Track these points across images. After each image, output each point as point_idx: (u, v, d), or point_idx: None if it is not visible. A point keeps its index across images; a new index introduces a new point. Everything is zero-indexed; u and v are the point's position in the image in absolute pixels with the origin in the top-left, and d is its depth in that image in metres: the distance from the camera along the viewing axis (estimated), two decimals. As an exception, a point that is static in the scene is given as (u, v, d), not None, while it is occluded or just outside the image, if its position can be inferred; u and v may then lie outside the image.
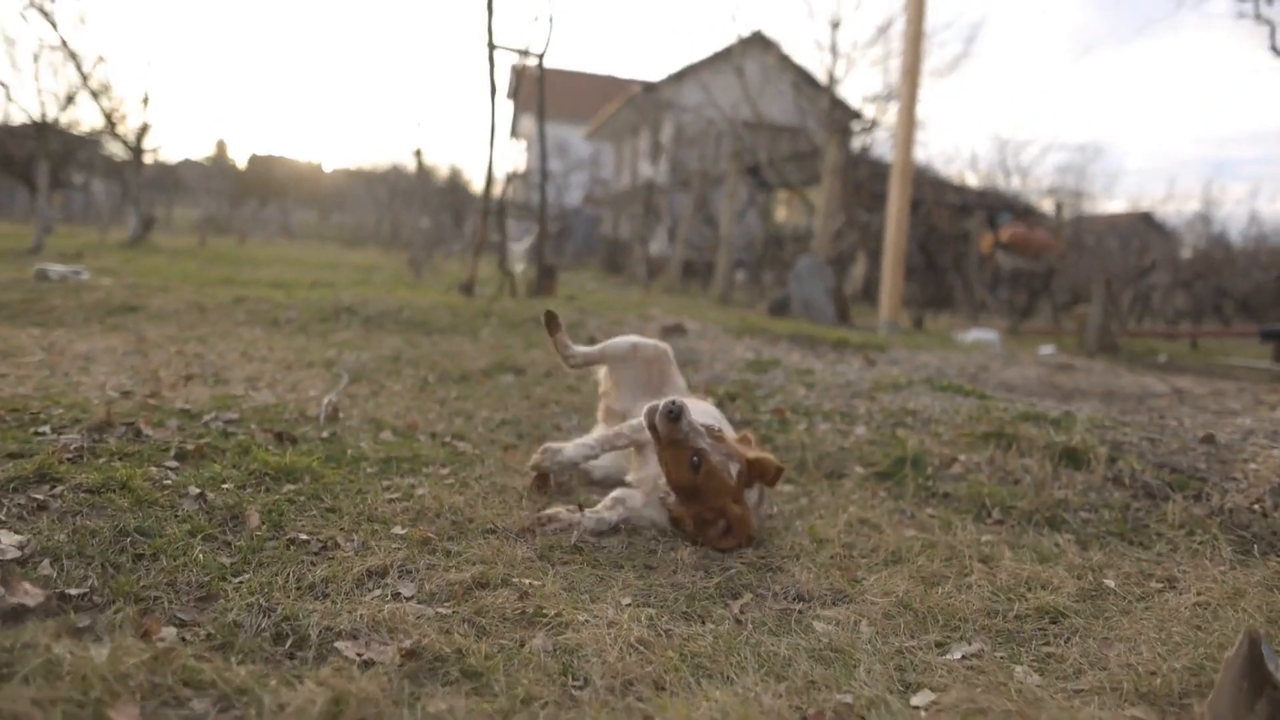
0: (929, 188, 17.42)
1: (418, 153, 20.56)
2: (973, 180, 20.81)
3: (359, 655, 1.83)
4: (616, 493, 2.92)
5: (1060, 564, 2.75)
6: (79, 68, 15.82)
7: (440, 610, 2.14)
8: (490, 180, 8.91)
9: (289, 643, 1.86)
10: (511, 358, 5.48)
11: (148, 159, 18.58)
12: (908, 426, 4.06)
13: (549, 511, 2.80)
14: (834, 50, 21.09)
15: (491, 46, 8.96)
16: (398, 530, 2.61)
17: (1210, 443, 3.74)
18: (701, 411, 3.03)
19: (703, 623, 2.23)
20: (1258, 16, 10.38)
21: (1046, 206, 22.57)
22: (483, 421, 4.04)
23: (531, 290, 9.08)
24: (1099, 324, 9.56)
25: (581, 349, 3.37)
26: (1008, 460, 3.57)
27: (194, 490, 2.64)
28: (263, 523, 2.52)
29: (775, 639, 2.13)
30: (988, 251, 15.97)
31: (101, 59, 17.18)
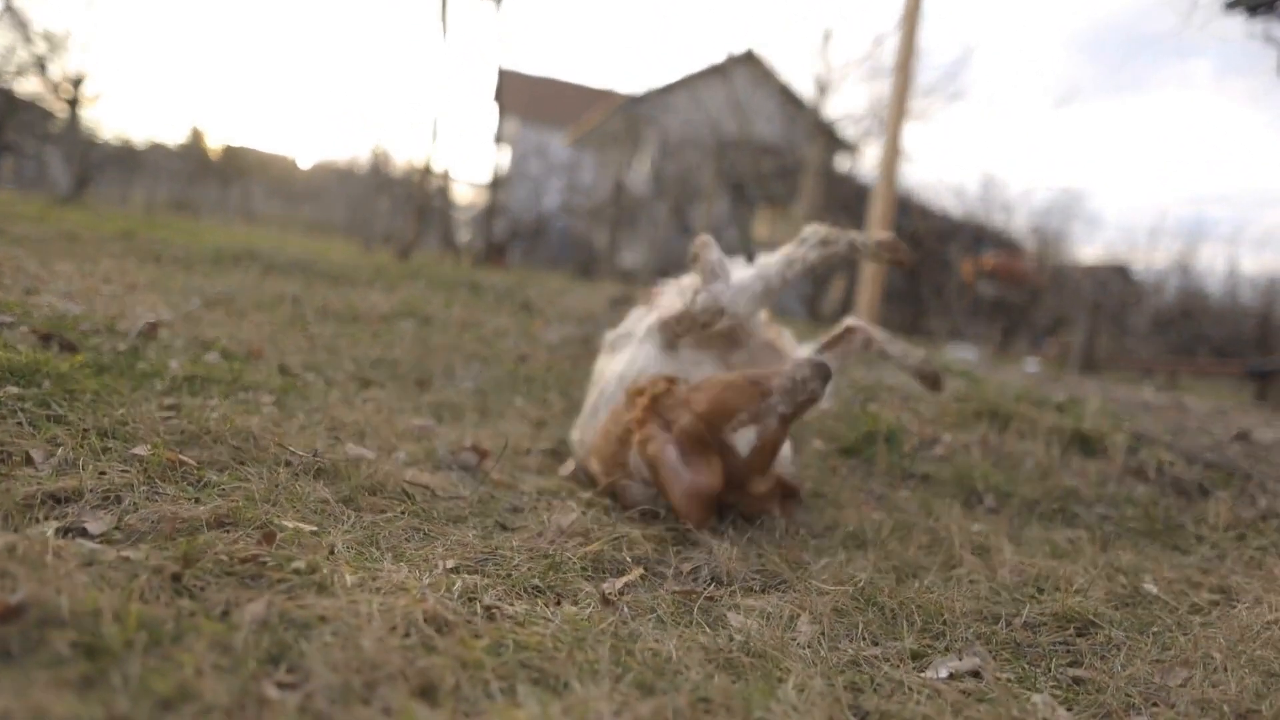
0: (917, 212, 16.96)
1: (390, 149, 19.68)
2: (956, 210, 20.42)
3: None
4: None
5: (1079, 561, 1.99)
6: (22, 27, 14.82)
7: (125, 554, 1.33)
8: (434, 140, 8.17)
9: None
10: (421, 308, 4.67)
11: (87, 111, 17.52)
12: (882, 402, 3.31)
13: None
14: (824, 60, 20.67)
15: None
16: (139, 450, 1.79)
17: (1246, 440, 3.04)
18: None
19: (558, 603, 1.44)
20: (1267, 38, 9.99)
21: (1028, 243, 22.30)
22: (353, 359, 3.22)
23: (475, 261, 8.28)
24: (1084, 345, 8.97)
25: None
26: (1005, 442, 2.83)
27: None
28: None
29: (662, 632, 1.34)
30: (969, 279, 15.48)
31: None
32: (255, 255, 6.03)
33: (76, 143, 16.63)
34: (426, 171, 8.13)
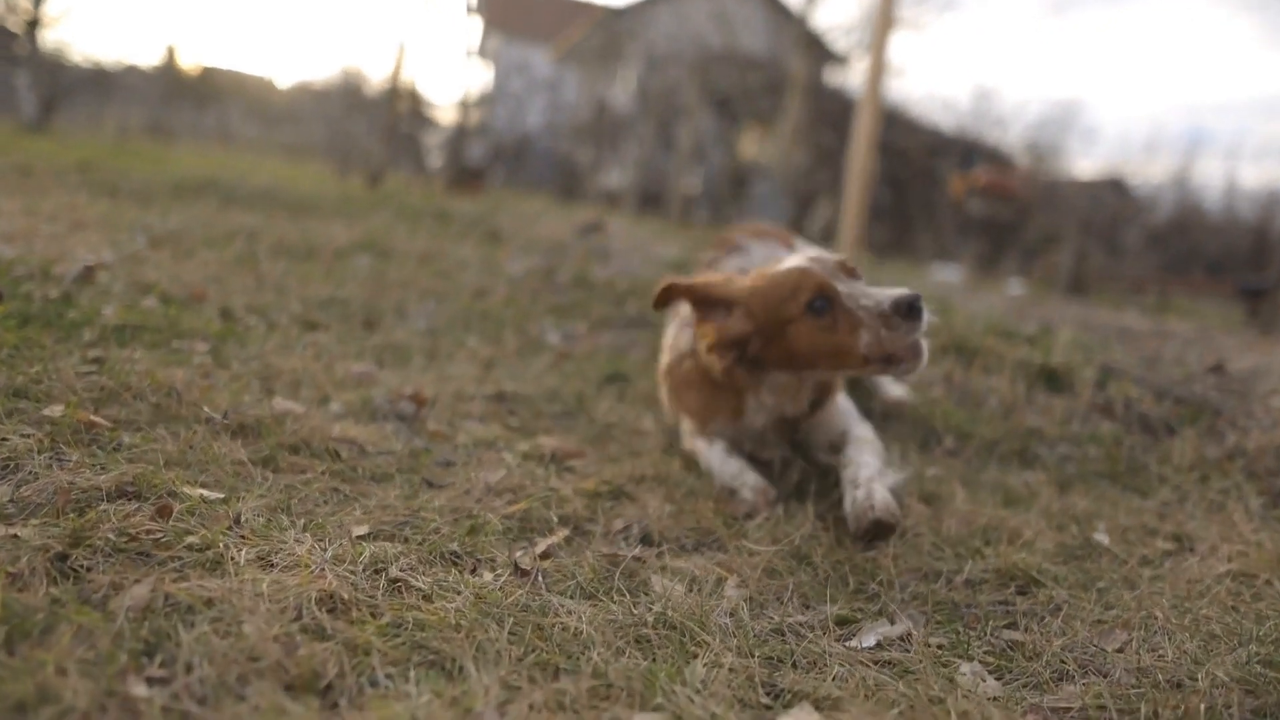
0: (906, 127, 16.47)
1: (364, 67, 18.84)
2: (948, 124, 19.87)
3: None
4: None
5: (1032, 509, 1.94)
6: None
7: (14, 532, 1.25)
8: (400, 61, 7.78)
9: None
10: (382, 240, 4.51)
11: (51, 32, 16.70)
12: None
13: None
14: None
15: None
16: (50, 411, 1.69)
17: (1220, 372, 2.97)
18: None
19: (473, 570, 1.37)
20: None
21: (1022, 158, 21.83)
22: (301, 299, 3.10)
23: (447, 187, 8.01)
24: (1072, 265, 8.84)
25: None
26: (969, 378, 2.75)
27: None
28: None
29: (576, 604, 1.28)
30: (958, 196, 15.17)
31: None
32: (217, 186, 5.81)
33: (41, 66, 15.90)
34: (396, 91, 7.77)
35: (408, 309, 3.23)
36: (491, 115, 31.70)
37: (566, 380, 2.64)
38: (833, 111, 15.81)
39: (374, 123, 18.47)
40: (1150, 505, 2.08)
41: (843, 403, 2.11)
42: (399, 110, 7.77)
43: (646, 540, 1.59)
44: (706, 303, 1.87)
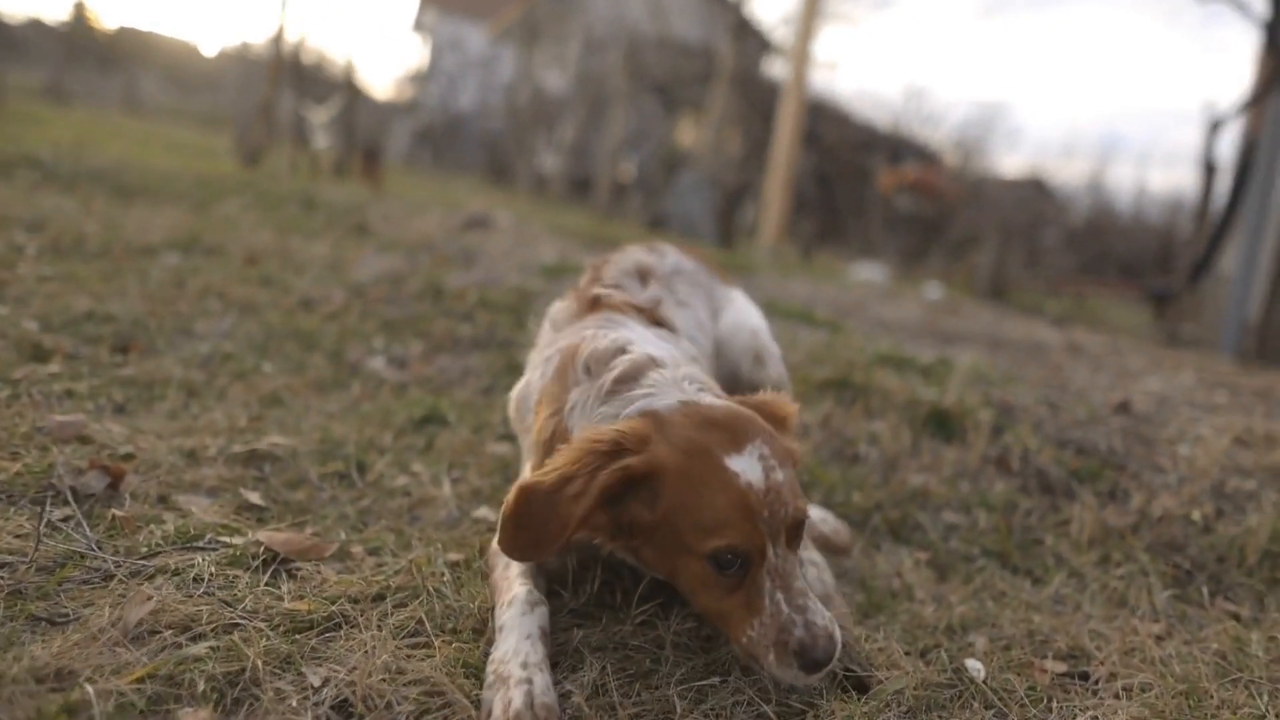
0: (834, 120, 16.29)
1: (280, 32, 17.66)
2: (879, 120, 19.82)
3: None
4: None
5: (897, 619, 1.54)
6: None
7: None
8: (281, 30, 7.02)
9: None
10: (212, 234, 3.90)
11: None
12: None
13: None
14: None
15: None
16: None
17: (1126, 412, 2.65)
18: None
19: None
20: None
21: (950, 156, 22.02)
22: (43, 314, 2.51)
23: (336, 171, 7.32)
24: (991, 268, 8.68)
25: None
26: (848, 422, 2.35)
27: None
28: None
29: None
30: (887, 191, 15.08)
31: None
32: (37, 162, 5.04)
33: None
34: (279, 57, 7.00)
35: (195, 327, 2.66)
36: (424, 93, 30.50)
37: (363, 425, 2.14)
38: (762, 101, 15.50)
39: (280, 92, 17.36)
40: (1042, 599, 1.70)
41: None
42: (278, 78, 6.99)
43: (342, 709, 1.12)
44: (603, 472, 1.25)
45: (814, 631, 1.20)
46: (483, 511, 1.80)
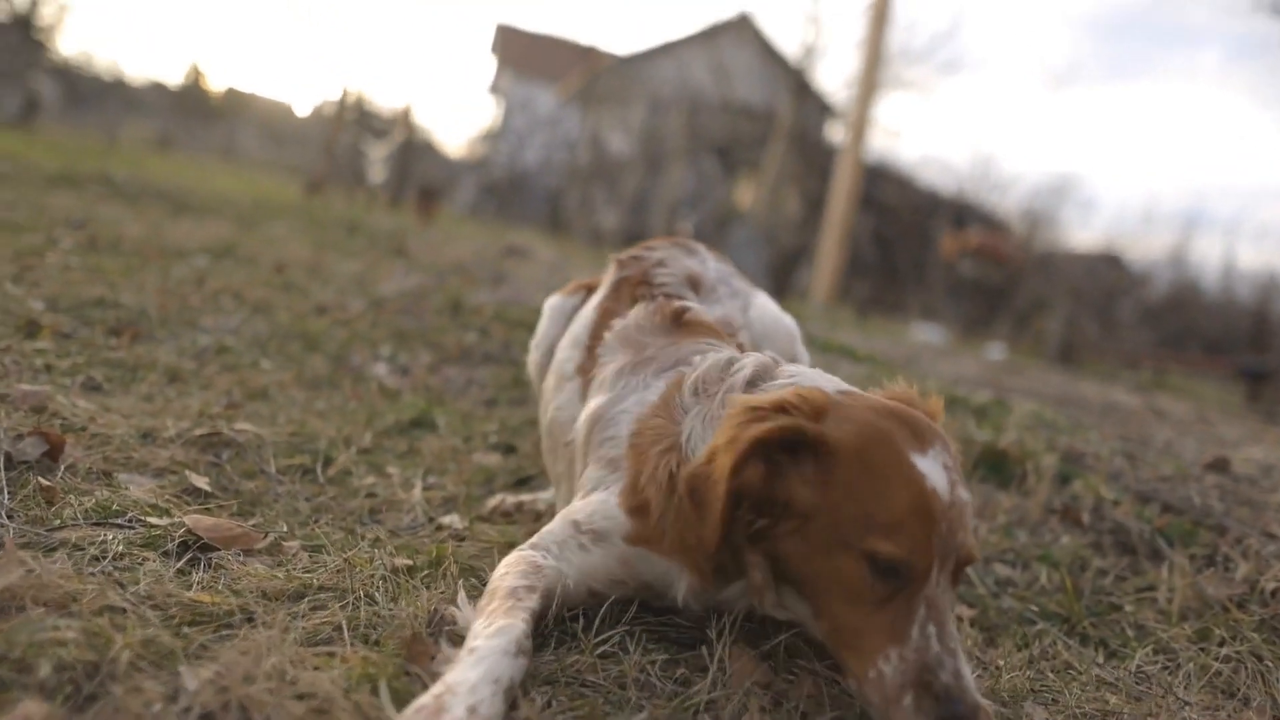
0: (895, 184, 16.09)
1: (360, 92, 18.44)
2: (945, 186, 19.54)
3: None
4: None
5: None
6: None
7: None
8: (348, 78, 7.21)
9: None
10: (246, 245, 3.86)
11: (65, 39, 16.45)
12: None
13: None
14: (813, 22, 19.60)
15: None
16: None
17: (1223, 471, 2.29)
18: None
19: None
20: (1276, 9, 9.15)
21: (1017, 225, 21.53)
22: (52, 297, 2.43)
23: (391, 204, 7.41)
24: (1062, 333, 8.20)
25: None
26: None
27: None
28: None
29: None
30: (950, 255, 14.68)
31: None
32: (108, 180, 5.17)
33: (38, 67, 15.59)
34: (343, 104, 7.23)
35: (202, 321, 2.55)
36: (494, 150, 31.55)
37: (345, 424, 1.96)
38: (825, 166, 15.42)
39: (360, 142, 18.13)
40: (1121, 676, 1.38)
41: None
42: (341, 124, 7.20)
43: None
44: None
45: (963, 683, 0.97)
46: (450, 519, 1.57)
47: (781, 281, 10.31)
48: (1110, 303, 14.67)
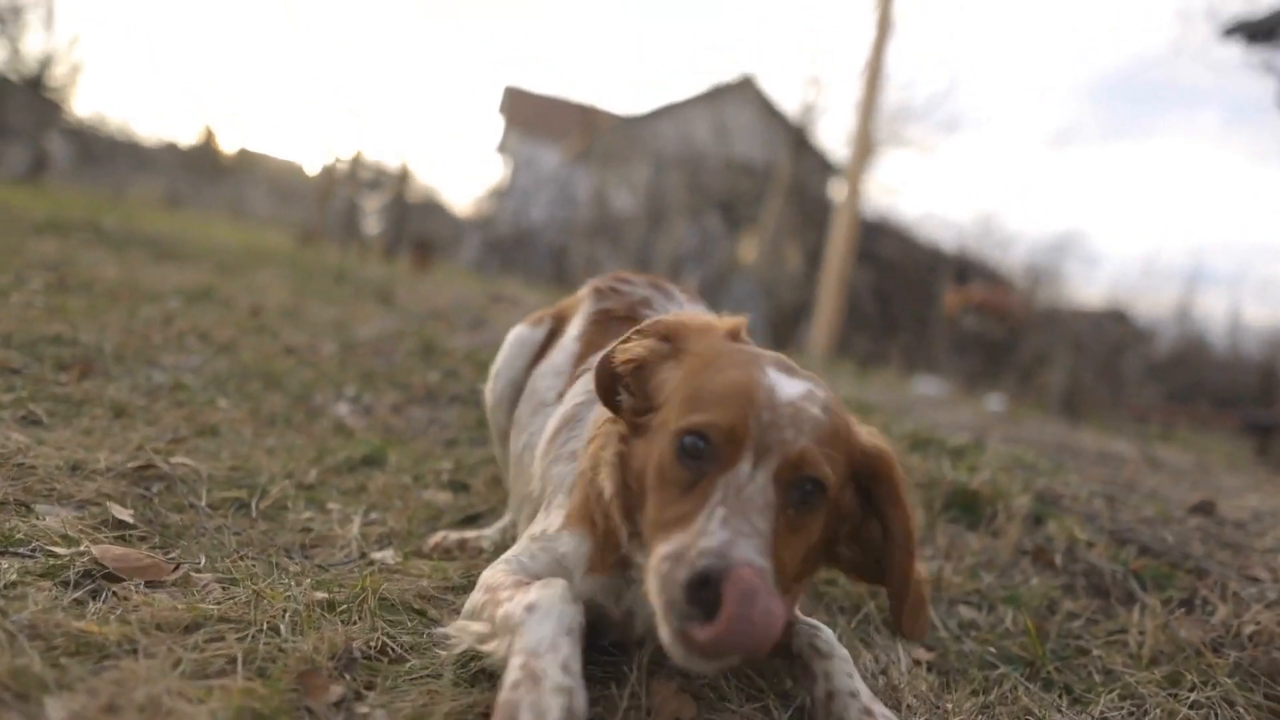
0: (895, 240, 16.22)
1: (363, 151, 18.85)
2: (947, 242, 19.67)
3: None
4: None
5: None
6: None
7: None
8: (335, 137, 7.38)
9: None
10: (225, 289, 3.87)
11: (65, 91, 17.01)
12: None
13: None
14: (811, 81, 20.06)
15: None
16: None
17: (1208, 513, 2.20)
18: None
19: None
20: (1268, 68, 9.25)
21: (1020, 280, 21.59)
22: (23, 334, 2.41)
23: (385, 256, 7.48)
24: (1064, 385, 8.10)
25: None
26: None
27: None
28: None
29: None
30: (952, 310, 14.67)
31: None
32: (96, 228, 5.24)
33: (50, 127, 16.10)
34: (334, 164, 7.39)
35: (162, 359, 2.53)
36: (500, 207, 32.12)
37: (292, 460, 1.91)
38: (824, 221, 15.57)
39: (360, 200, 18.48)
40: (1081, 722, 1.29)
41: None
42: (333, 181, 7.34)
43: None
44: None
45: (719, 544, 0.89)
46: (384, 554, 1.51)
47: (783, 335, 10.29)
48: (1116, 357, 14.56)
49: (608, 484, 1.12)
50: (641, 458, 1.06)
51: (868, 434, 1.14)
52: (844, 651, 1.19)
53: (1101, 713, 1.32)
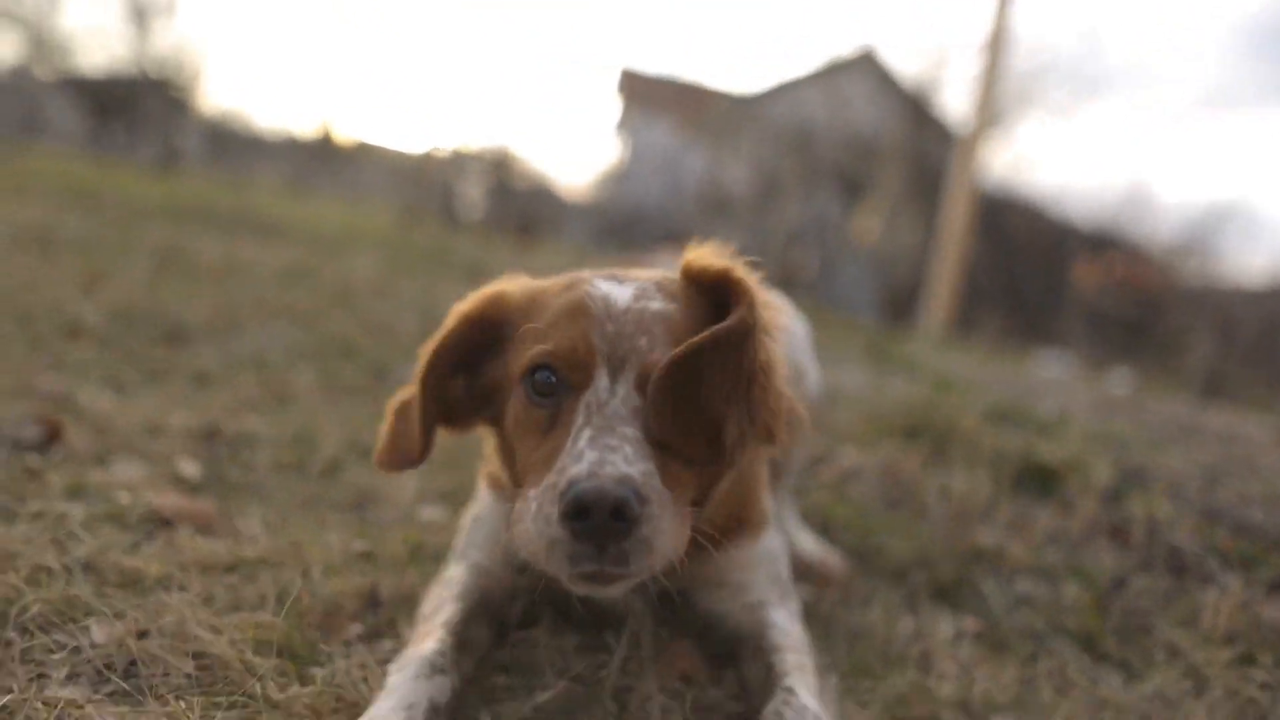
0: (1022, 213, 15.26)
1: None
2: (1084, 215, 18.31)
3: None
4: None
5: (891, 684, 1.12)
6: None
7: None
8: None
9: None
10: (319, 267, 4.11)
11: (190, 89, 18.59)
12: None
13: None
14: (938, 54, 19.07)
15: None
16: None
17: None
18: None
19: None
20: None
21: (1169, 256, 19.83)
22: (107, 305, 2.68)
23: (485, 236, 7.71)
24: (1207, 361, 7.39)
25: None
26: (916, 470, 1.90)
27: None
28: None
29: None
30: (1089, 287, 13.68)
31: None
32: (208, 213, 5.70)
33: (181, 121, 17.58)
34: (436, 151, 7.68)
35: (248, 332, 2.72)
36: (614, 188, 32.45)
37: (364, 426, 2.01)
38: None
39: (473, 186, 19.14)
40: (1134, 698, 1.19)
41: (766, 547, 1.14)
42: (433, 166, 7.63)
43: (101, 677, 0.92)
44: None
45: (590, 466, 0.84)
46: (431, 512, 1.58)
47: (899, 313, 9.93)
48: (1275, 336, 13.15)
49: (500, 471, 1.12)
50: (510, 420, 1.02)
51: (710, 254, 1.04)
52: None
53: (1157, 688, 1.22)
